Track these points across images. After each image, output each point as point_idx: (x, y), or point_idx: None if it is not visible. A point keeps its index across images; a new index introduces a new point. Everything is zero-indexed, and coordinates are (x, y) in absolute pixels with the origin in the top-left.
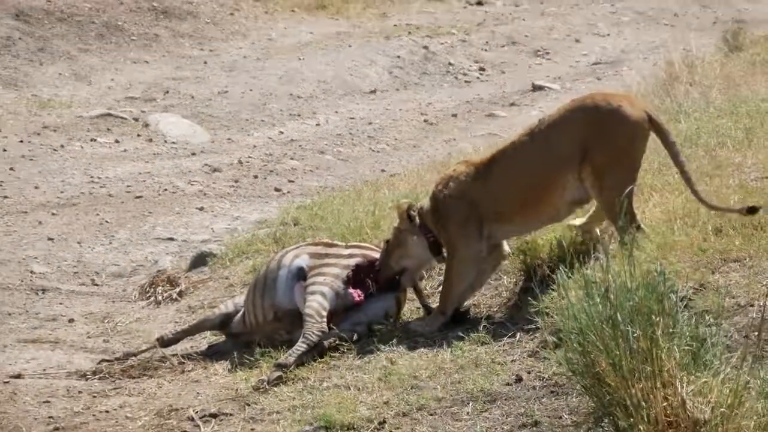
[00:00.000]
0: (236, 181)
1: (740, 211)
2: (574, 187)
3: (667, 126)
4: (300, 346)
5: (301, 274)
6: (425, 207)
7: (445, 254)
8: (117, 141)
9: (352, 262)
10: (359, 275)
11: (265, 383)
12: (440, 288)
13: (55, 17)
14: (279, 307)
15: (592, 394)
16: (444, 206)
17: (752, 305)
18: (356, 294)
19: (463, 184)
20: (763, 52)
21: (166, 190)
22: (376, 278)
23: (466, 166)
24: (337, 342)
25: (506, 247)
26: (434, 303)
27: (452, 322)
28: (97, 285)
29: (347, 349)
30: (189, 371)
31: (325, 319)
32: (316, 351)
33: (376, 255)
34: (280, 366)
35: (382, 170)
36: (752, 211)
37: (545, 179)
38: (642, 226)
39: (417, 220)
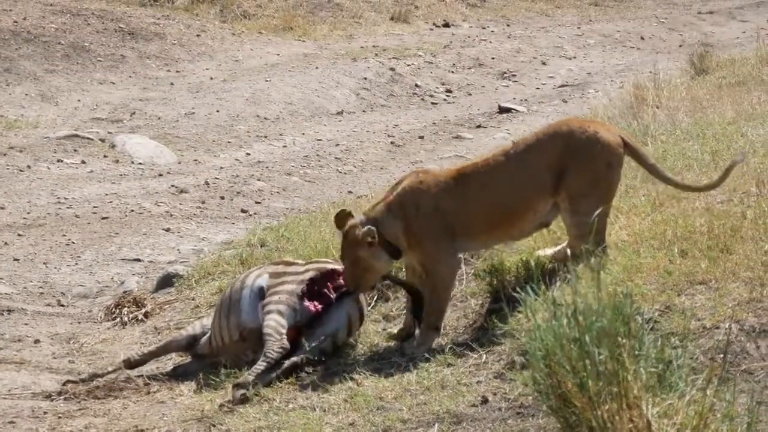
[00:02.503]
0: (203, 203)
1: (730, 166)
2: (545, 211)
3: (643, 149)
4: (260, 365)
5: (262, 294)
6: (381, 219)
7: (422, 270)
8: (83, 162)
9: (307, 276)
10: (314, 288)
11: (230, 403)
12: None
13: (22, 38)
14: (244, 327)
15: (558, 415)
16: (418, 224)
17: (718, 327)
18: (312, 305)
19: (436, 197)
20: (729, 75)
21: (132, 211)
22: (335, 287)
23: (433, 178)
24: (306, 360)
25: None
26: (396, 324)
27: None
28: (62, 306)
29: (313, 370)
30: (154, 392)
31: (284, 336)
32: (282, 370)
33: (331, 266)
34: (239, 385)
35: (349, 192)
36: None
37: (518, 203)
38: (606, 250)
39: (376, 241)
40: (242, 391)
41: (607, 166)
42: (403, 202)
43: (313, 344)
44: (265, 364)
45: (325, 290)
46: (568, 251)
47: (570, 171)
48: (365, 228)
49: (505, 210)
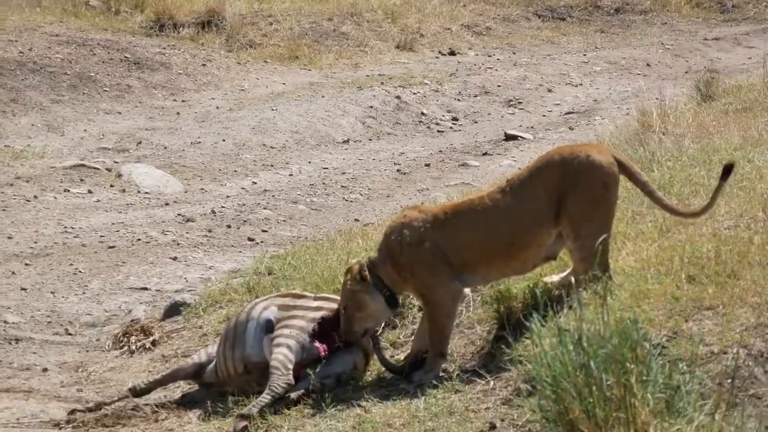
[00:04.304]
0: (209, 231)
1: (722, 181)
2: (550, 243)
3: (636, 167)
4: (264, 398)
5: (269, 327)
6: (375, 260)
7: (420, 301)
8: (90, 191)
9: (319, 314)
10: (325, 328)
11: None
12: (427, 333)
13: (28, 68)
14: (249, 360)
15: None
16: (405, 256)
17: (725, 353)
18: (322, 348)
19: (420, 230)
20: (735, 101)
21: (139, 240)
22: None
23: (419, 212)
24: (303, 395)
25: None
26: (403, 351)
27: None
28: (70, 334)
29: (321, 398)
30: (162, 420)
31: (291, 372)
32: (283, 403)
33: None
34: (242, 416)
35: (356, 220)
36: (729, 170)
37: (520, 237)
38: (611, 276)
39: (369, 278)
40: (244, 423)
41: (604, 187)
42: (388, 239)
43: (318, 378)
44: (269, 397)
45: (334, 333)
46: (572, 278)
47: (568, 197)
48: (354, 261)
49: (506, 244)
